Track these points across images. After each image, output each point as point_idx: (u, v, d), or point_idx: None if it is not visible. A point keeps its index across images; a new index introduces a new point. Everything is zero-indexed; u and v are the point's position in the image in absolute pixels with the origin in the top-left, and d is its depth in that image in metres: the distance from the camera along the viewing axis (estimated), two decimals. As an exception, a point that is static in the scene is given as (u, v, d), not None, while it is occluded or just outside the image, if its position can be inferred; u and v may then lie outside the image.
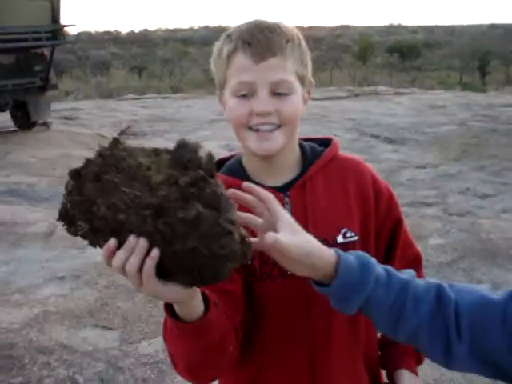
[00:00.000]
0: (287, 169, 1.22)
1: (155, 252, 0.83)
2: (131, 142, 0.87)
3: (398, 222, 1.30)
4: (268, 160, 1.18)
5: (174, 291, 0.88)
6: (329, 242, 1.16)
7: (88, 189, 0.84)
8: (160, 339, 3.29)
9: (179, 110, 12.61)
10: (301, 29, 1.45)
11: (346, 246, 1.17)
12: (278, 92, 1.12)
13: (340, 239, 1.19)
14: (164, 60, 26.95)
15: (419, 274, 1.32)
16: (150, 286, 0.86)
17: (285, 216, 0.99)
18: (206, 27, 53.54)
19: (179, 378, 3.03)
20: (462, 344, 0.97)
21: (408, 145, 9.06)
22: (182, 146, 0.84)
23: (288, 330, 1.18)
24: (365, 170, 1.27)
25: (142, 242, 0.83)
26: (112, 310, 3.61)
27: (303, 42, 1.19)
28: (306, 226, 1.07)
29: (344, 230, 1.20)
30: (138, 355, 3.14)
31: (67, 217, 0.86)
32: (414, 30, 45.04)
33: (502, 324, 0.95)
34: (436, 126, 10.25)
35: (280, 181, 1.21)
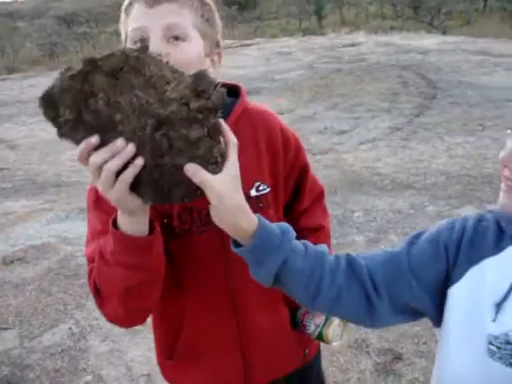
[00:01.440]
0: None
1: (140, 160, 0.87)
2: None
3: (304, 168, 1.39)
4: None
5: (136, 201, 0.92)
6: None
7: (96, 80, 0.84)
8: (63, 326, 3.22)
9: (23, 91, 11.85)
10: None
11: (259, 199, 1.24)
12: (172, 36, 1.08)
13: (253, 192, 1.23)
14: (-8, 38, 24.86)
15: (321, 206, 1.48)
16: (119, 191, 0.89)
17: (232, 168, 0.95)
18: (33, -2, 49.90)
19: (92, 360, 3.03)
20: (382, 300, 1.06)
21: (262, 94, 9.31)
22: (201, 76, 0.88)
23: (208, 277, 1.24)
24: (274, 122, 1.31)
25: (131, 148, 0.86)
26: (3, 308, 3.44)
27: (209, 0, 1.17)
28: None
29: (257, 184, 1.24)
30: (43, 348, 3.04)
31: (51, 100, 0.85)
32: (248, -19, 45.47)
33: (408, 267, 1.07)
34: (285, 72, 10.62)
35: None
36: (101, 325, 3.16)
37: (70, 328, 3.21)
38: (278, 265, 1.01)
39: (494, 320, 1.00)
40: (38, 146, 7.45)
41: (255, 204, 1.23)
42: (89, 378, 2.82)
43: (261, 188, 1.25)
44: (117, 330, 3.10)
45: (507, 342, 0.99)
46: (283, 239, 1.02)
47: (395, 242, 4.04)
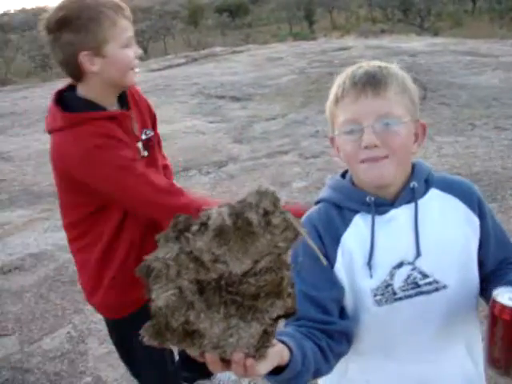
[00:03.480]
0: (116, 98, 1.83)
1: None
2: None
3: (155, 115, 2.04)
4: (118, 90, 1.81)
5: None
6: (141, 138, 1.84)
7: None
8: (62, 331, 3.28)
9: (16, 103, 11.86)
10: (124, 1, 1.75)
11: (148, 140, 1.89)
12: None
13: (143, 136, 1.86)
14: (-16, 52, 24.89)
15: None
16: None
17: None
18: (24, 10, 50.01)
19: (91, 362, 3.08)
20: (335, 318, 1.22)
21: (254, 100, 9.37)
22: None
23: None
24: (139, 92, 1.95)
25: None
26: (2, 315, 3.50)
27: None
28: (138, 128, 1.82)
29: (145, 130, 1.89)
30: (43, 352, 3.10)
31: None
32: (238, -13, 45.72)
33: (317, 290, 1.22)
34: (277, 78, 10.68)
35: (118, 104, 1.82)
36: (99, 328, 3.22)
37: (68, 332, 3.28)
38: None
39: (371, 276, 1.22)
40: (32, 157, 7.50)
41: (146, 143, 1.86)
42: (88, 379, 2.88)
43: (147, 132, 1.90)
44: (115, 332, 3.16)
45: (387, 286, 1.22)
46: (304, 363, 1.08)
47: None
